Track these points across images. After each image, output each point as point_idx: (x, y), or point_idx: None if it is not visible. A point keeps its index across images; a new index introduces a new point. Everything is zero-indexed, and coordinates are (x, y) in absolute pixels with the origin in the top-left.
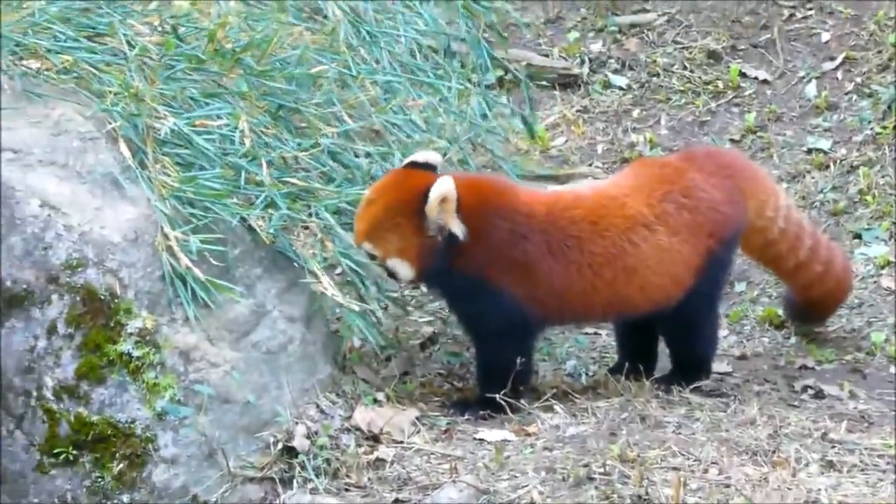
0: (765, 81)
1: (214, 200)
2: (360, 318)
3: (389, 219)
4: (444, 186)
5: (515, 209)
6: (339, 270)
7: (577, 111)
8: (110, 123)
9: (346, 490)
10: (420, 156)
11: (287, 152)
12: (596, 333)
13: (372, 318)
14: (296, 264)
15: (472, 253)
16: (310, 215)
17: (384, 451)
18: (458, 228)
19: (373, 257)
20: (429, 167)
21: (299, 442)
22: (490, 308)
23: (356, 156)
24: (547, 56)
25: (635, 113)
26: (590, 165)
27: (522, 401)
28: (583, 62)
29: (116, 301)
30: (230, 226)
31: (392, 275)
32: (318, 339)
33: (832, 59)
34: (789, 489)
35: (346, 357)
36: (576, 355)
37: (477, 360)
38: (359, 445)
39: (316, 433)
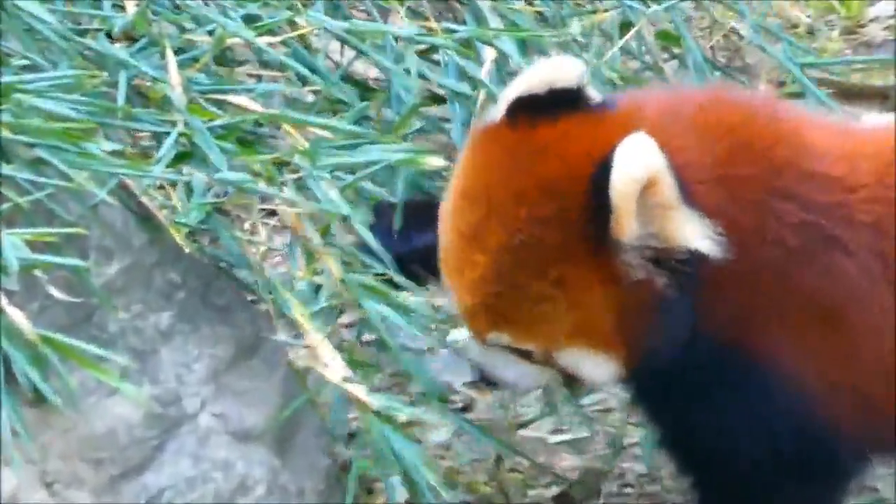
0: None
1: (58, 144)
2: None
3: (535, 270)
4: (637, 156)
5: (812, 173)
6: (347, 318)
7: None
8: None
9: None
10: (538, 77)
11: (230, 34)
12: None
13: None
14: (253, 301)
15: (721, 292)
16: (281, 184)
17: None
18: (703, 237)
19: (524, 354)
20: (566, 99)
21: None
22: (757, 417)
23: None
24: None
25: None
26: None
27: None
28: None
29: None
30: (94, 207)
31: (573, 381)
32: (306, 482)
33: None
34: None
35: None
36: None
37: None
38: None
39: None
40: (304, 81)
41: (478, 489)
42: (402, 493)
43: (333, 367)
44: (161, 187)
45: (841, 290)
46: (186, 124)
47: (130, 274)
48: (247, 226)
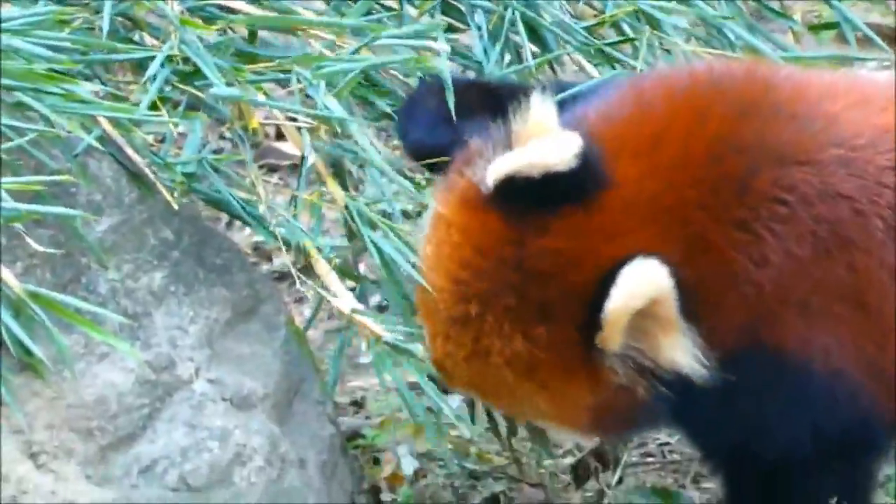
0: None
1: (41, 87)
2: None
3: (523, 374)
4: (639, 285)
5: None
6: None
7: None
8: None
9: None
10: (531, 161)
11: None
12: None
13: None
14: (254, 263)
15: (725, 311)
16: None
17: None
18: (692, 360)
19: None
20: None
21: None
22: (797, 406)
23: None
24: None
25: None
26: None
27: None
28: None
29: None
30: (82, 160)
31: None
32: (308, 452)
33: None
34: None
35: (379, 499)
36: None
37: None
38: None
39: None
40: None
41: (491, 459)
42: (411, 463)
43: (343, 298)
44: (160, 140)
45: (864, 281)
46: (182, 34)
47: (121, 231)
48: (243, 172)
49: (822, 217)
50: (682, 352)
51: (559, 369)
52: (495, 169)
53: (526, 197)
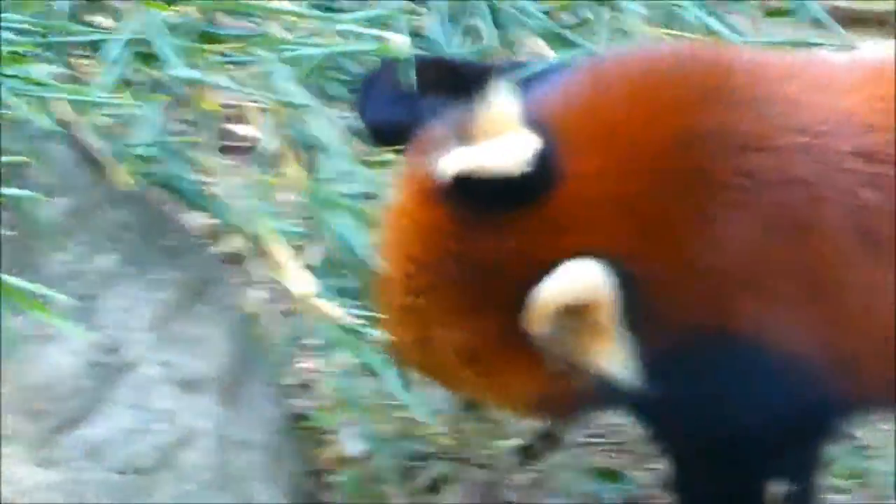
0: None
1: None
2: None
3: (459, 353)
4: (580, 279)
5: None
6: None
7: None
8: None
9: None
10: (484, 163)
11: None
12: None
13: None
14: (203, 244)
15: (674, 294)
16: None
17: None
18: (621, 366)
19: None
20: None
21: None
22: (751, 389)
23: None
24: None
25: None
26: None
27: None
28: None
29: None
30: (36, 142)
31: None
32: (255, 434)
33: None
34: None
35: (324, 480)
36: None
37: (680, 489)
38: None
39: None
40: None
41: (437, 440)
42: (356, 445)
43: (298, 280)
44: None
45: (822, 266)
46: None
47: (74, 214)
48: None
49: (779, 202)
50: (611, 362)
51: (499, 359)
52: (449, 164)
53: (477, 195)
